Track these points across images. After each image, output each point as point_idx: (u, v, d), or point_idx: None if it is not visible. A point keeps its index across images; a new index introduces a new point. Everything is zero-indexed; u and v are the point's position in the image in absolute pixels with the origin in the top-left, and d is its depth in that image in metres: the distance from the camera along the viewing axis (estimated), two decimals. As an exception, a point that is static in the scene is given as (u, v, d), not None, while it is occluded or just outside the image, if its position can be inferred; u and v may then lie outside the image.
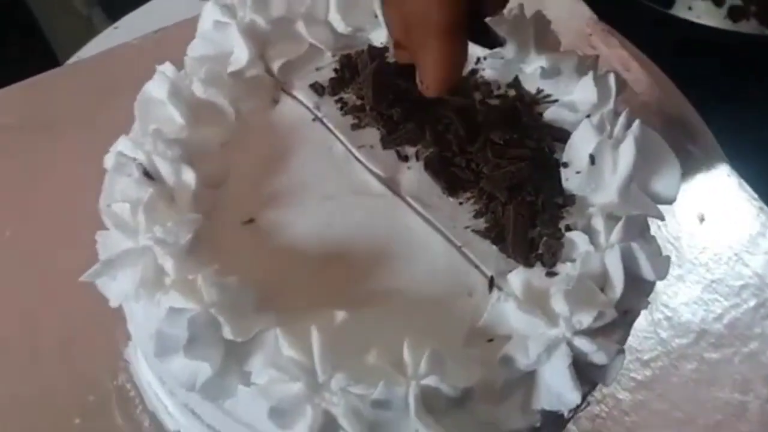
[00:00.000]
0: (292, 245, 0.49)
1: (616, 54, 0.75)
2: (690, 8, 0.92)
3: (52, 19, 1.05)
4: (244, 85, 0.54)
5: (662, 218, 0.49)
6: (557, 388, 0.43)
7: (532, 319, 0.43)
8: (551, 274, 0.46)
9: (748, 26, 0.92)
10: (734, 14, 0.93)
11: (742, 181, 0.68)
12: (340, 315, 0.43)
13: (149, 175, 0.47)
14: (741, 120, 0.86)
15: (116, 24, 0.83)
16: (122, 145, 0.49)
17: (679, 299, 0.61)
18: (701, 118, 0.73)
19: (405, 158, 0.52)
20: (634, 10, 0.90)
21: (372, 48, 0.55)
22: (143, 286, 0.44)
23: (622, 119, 0.50)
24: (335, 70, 0.56)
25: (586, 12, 0.79)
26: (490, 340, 0.45)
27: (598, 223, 0.47)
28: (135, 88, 0.54)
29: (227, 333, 0.41)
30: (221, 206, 0.50)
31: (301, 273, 0.47)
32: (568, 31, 0.61)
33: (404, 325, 0.45)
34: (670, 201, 0.50)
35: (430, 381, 0.40)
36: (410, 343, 0.42)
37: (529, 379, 0.43)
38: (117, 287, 0.45)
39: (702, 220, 0.67)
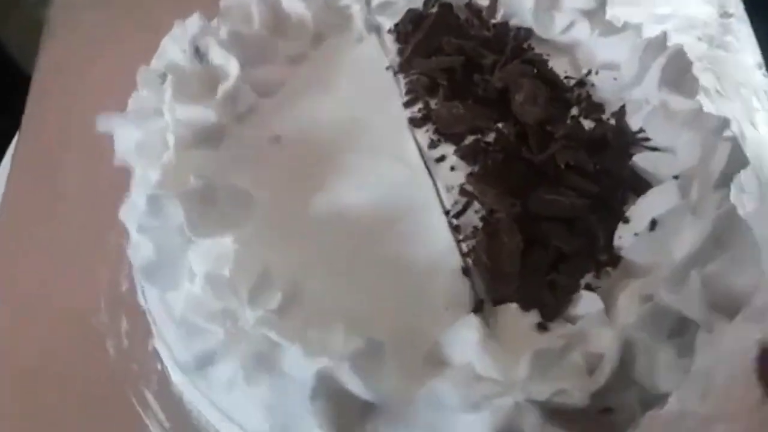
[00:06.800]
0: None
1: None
2: None
3: None
4: (335, 10, 0.51)
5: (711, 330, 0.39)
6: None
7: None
8: (542, 328, 0.39)
9: None
10: None
11: None
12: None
13: (199, 54, 0.47)
14: None
15: None
16: (191, 23, 0.48)
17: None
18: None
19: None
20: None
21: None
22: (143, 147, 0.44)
23: (715, 196, 0.40)
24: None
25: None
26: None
27: (625, 302, 0.38)
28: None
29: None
30: (257, 113, 0.48)
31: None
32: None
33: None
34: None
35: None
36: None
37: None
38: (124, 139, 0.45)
39: None
